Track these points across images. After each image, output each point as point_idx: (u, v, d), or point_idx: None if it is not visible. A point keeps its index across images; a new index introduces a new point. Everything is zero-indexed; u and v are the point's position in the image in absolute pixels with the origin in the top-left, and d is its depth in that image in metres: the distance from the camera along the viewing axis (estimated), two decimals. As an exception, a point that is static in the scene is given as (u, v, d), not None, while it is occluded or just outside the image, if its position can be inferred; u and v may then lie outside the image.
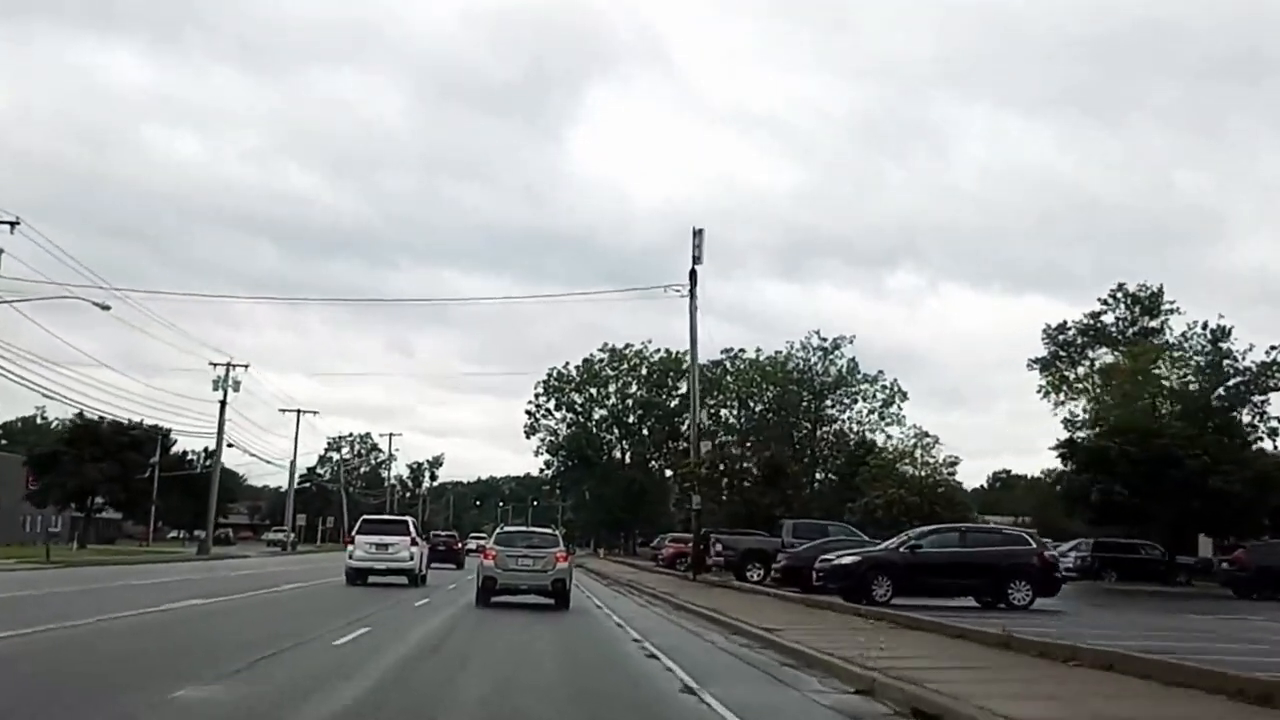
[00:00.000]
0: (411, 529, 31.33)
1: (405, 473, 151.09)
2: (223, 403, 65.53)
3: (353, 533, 31.43)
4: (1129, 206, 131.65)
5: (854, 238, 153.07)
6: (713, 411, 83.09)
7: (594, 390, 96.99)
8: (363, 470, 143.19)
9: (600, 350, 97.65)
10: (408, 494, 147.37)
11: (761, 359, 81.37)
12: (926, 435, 52.81)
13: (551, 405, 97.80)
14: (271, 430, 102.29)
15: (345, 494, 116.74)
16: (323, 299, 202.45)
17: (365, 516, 35.37)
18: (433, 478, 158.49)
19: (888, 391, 79.50)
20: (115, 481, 67.21)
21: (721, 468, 47.31)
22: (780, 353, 79.47)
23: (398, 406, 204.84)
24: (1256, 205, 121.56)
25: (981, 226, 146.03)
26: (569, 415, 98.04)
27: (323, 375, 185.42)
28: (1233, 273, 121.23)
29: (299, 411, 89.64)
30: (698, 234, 42.58)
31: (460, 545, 54.10)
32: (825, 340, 77.87)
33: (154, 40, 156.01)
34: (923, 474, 45.71)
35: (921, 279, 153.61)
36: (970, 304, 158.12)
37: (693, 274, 42.85)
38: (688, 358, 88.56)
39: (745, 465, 50.42)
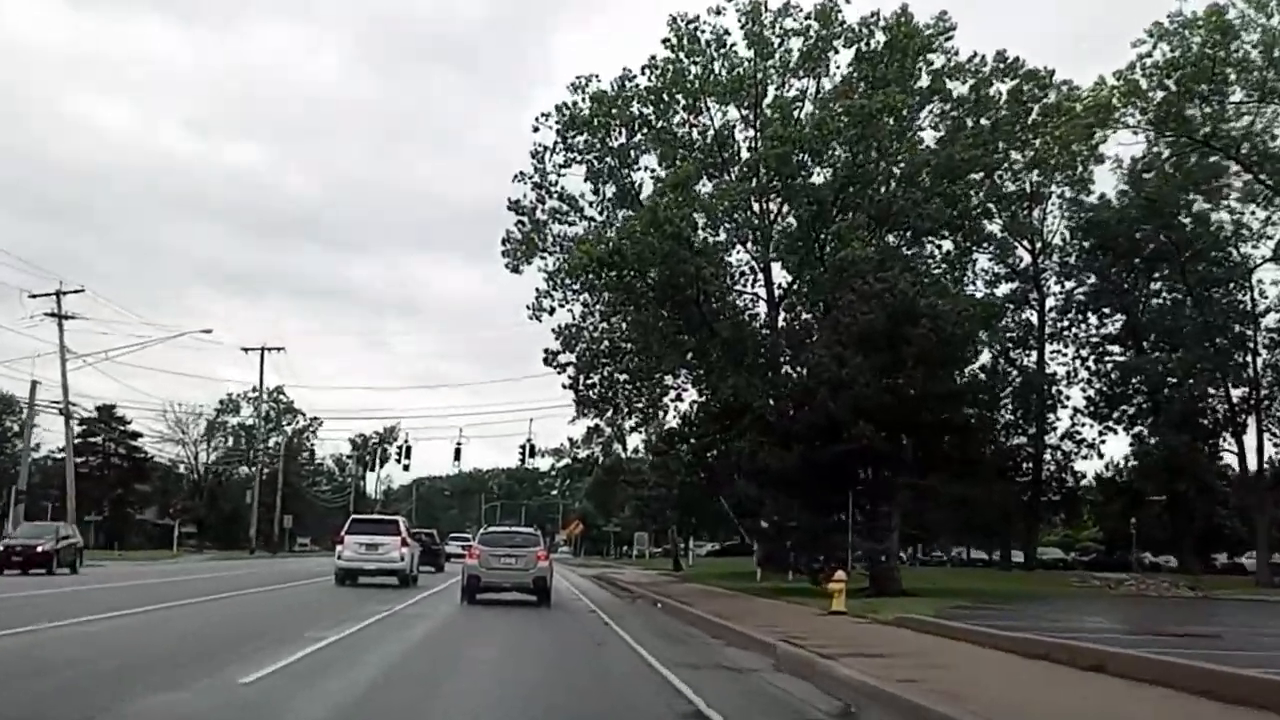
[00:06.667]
0: (402, 529, 32.22)
1: (348, 450, 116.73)
2: None
3: (342, 533, 31.73)
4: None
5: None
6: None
7: (691, 129, 34.69)
8: (272, 441, 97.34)
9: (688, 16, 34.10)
10: (346, 475, 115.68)
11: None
12: None
13: (580, 174, 34.92)
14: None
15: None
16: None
17: (355, 516, 35.87)
18: (383, 458, 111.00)
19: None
20: None
21: None
22: None
23: (370, 404, 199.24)
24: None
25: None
26: (610, 200, 35.39)
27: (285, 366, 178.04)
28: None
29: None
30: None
31: (440, 545, 49.07)
32: None
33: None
34: None
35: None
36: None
37: None
38: (951, 17, 32.91)
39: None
